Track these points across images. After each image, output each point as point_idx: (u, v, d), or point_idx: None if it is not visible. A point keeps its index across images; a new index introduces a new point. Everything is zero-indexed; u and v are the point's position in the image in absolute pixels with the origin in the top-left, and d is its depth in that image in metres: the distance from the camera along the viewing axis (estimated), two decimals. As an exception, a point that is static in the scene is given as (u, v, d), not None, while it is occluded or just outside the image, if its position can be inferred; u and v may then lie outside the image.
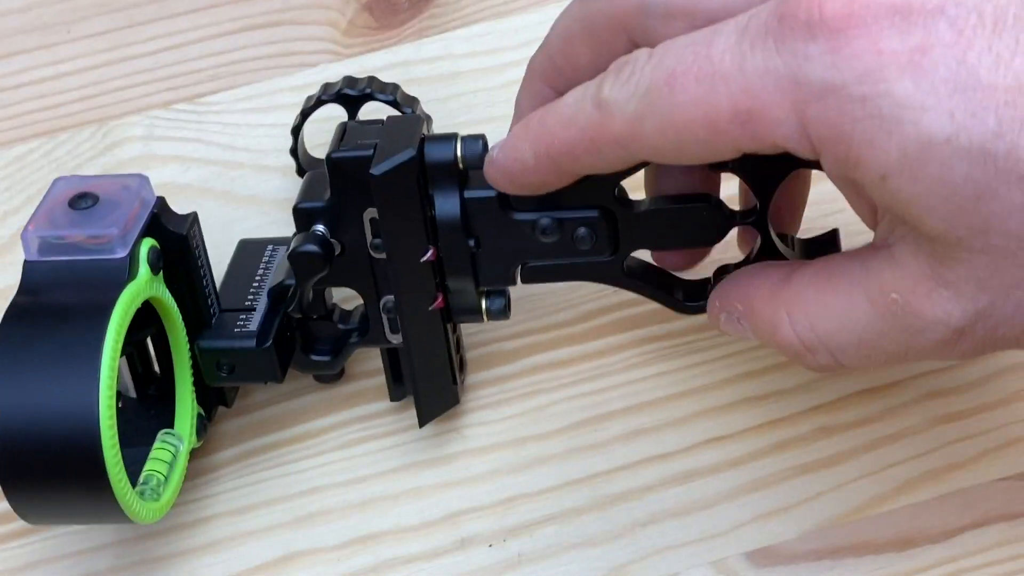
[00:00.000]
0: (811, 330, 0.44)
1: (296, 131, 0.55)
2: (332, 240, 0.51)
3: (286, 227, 0.57)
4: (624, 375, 0.57)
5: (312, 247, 0.51)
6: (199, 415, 0.53)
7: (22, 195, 0.57)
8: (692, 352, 0.57)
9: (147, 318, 0.51)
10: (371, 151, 0.50)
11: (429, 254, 0.51)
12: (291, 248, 0.51)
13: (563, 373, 0.57)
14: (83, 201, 0.49)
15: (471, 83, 0.57)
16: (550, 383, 0.57)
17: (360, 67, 0.57)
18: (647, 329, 0.57)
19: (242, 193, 0.58)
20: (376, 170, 0.49)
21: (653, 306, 0.56)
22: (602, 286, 0.56)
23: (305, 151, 0.57)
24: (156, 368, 0.54)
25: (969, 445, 0.55)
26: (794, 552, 0.53)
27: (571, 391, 0.57)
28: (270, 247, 0.56)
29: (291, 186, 0.58)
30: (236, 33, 0.57)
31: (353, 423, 0.56)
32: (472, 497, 0.55)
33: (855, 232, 0.49)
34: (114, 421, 0.46)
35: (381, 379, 0.56)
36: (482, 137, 0.50)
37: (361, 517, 0.55)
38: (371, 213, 0.51)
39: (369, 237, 0.51)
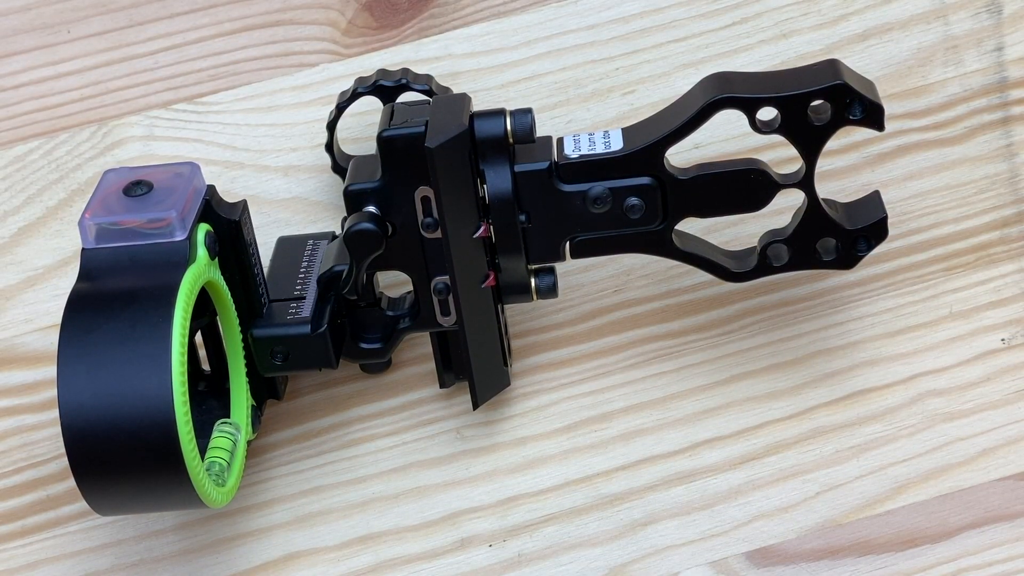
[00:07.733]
0: None
1: (332, 125, 0.55)
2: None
3: (286, 227, 0.57)
4: (624, 375, 0.57)
5: (368, 225, 0.50)
6: (252, 406, 0.52)
7: (22, 195, 0.57)
8: (692, 352, 0.57)
9: (197, 311, 0.50)
10: (422, 128, 0.50)
11: (482, 230, 0.51)
12: (345, 229, 0.51)
13: (563, 373, 0.57)
14: (138, 188, 0.49)
15: (471, 83, 0.56)
16: (550, 383, 0.57)
17: (360, 67, 0.57)
18: (647, 329, 0.57)
19: (242, 193, 0.58)
20: (431, 142, 0.49)
21: (653, 306, 0.57)
22: (602, 286, 0.56)
23: (339, 147, 0.56)
24: (204, 364, 0.54)
25: (969, 445, 0.55)
26: (794, 552, 0.53)
27: (571, 391, 0.57)
28: (310, 241, 0.56)
29: (292, 186, 0.57)
30: (236, 33, 0.57)
31: (353, 423, 0.56)
32: (472, 497, 0.55)
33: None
34: (187, 399, 0.46)
35: (380, 380, 0.56)
36: (530, 111, 0.51)
37: (361, 517, 0.55)
38: (422, 192, 0.51)
39: (420, 216, 0.51)
